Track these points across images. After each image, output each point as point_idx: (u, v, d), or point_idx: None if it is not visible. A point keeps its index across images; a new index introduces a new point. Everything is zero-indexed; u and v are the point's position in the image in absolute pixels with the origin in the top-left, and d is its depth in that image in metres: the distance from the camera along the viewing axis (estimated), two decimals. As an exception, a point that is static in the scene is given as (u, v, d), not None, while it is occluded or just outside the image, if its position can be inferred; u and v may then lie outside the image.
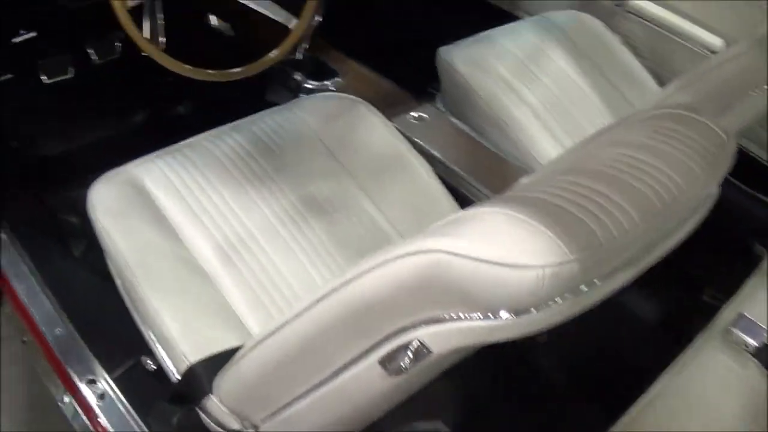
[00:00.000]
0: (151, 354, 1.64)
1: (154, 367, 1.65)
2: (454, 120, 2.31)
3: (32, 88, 2.32)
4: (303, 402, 1.18)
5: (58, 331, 1.85)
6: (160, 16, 1.98)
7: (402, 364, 0.98)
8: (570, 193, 0.94)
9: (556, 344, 1.71)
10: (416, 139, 2.13)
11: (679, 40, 2.49)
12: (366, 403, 1.14)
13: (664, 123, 1.13)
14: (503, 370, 1.82)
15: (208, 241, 1.70)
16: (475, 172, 2.10)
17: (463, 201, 1.92)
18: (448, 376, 1.28)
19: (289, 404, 1.20)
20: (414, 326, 0.96)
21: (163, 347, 1.58)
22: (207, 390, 1.38)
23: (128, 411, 1.71)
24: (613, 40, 2.55)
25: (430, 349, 0.96)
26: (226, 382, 1.35)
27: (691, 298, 2.02)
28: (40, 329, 1.86)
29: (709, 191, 1.12)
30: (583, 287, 0.91)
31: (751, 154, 2.34)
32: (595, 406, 1.85)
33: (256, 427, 1.30)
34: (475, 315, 0.90)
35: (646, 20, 2.58)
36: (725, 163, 1.11)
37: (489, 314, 0.88)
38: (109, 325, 1.82)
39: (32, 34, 2.08)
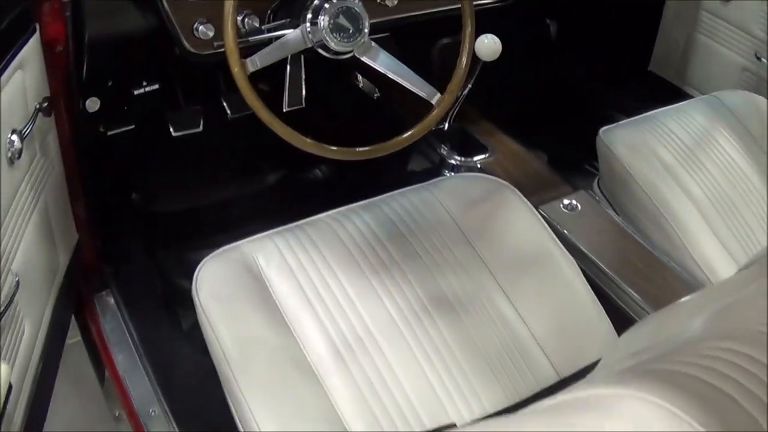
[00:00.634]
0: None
1: None
2: (609, 212, 2.07)
3: (159, 141, 2.25)
4: None
5: (152, 411, 1.73)
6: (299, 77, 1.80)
7: None
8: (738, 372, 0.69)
9: None
10: (565, 232, 1.90)
11: None
12: None
13: None
14: None
15: (321, 335, 1.53)
16: (626, 274, 1.84)
17: (610, 304, 1.74)
18: None
19: None
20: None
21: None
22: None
23: None
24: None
25: None
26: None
27: None
28: (134, 407, 1.74)
29: None
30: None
31: None
32: None
33: None
34: None
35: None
36: None
37: None
38: (206, 413, 1.68)
39: (155, 87, 2.01)
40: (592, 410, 0.66)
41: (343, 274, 1.62)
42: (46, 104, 1.58)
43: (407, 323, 1.58)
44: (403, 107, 2.20)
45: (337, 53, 1.65)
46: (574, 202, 1.98)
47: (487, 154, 2.13)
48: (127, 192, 2.33)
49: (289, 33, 1.62)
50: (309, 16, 1.62)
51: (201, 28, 1.73)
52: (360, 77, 2.42)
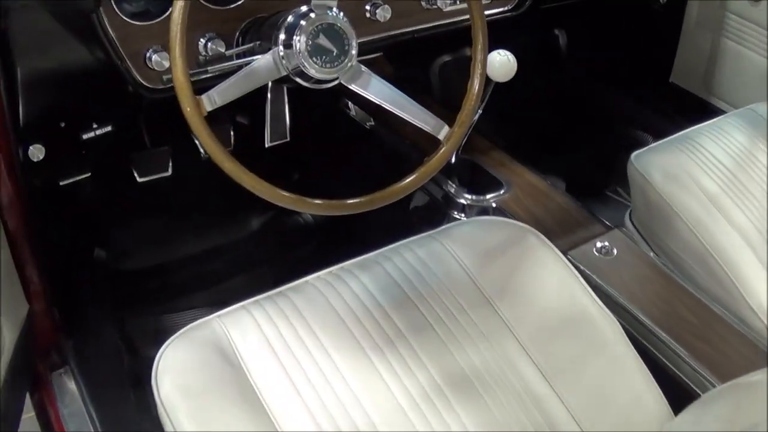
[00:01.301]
0: None
1: None
2: (649, 254, 1.83)
3: (122, 188, 2.02)
4: None
5: None
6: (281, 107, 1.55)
7: None
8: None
9: None
10: (601, 283, 1.64)
11: None
12: None
13: None
14: None
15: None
16: (678, 332, 1.58)
17: (661, 371, 1.49)
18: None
19: None
20: None
21: None
22: None
23: None
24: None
25: None
26: None
27: None
28: None
29: None
30: None
31: None
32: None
33: None
34: None
35: None
36: None
37: None
38: None
39: (107, 129, 1.78)
40: None
41: (338, 353, 1.35)
42: None
43: (418, 411, 1.31)
44: (402, 138, 1.93)
45: (318, 81, 1.36)
46: (607, 244, 1.71)
47: (502, 191, 1.85)
48: (87, 249, 2.08)
49: (258, 59, 1.32)
50: (282, 36, 1.33)
51: (155, 57, 1.48)
52: (351, 104, 2.14)
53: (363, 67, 1.38)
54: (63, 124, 1.75)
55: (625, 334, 1.46)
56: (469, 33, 1.47)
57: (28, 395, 1.75)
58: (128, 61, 1.48)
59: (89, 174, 1.88)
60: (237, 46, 1.52)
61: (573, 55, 2.88)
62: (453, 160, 1.94)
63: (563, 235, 1.70)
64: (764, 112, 2.12)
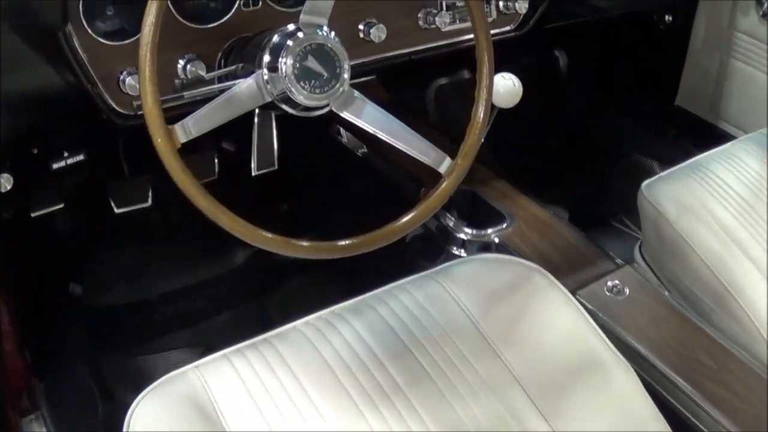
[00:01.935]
0: None
1: None
2: (663, 292, 1.71)
3: (99, 220, 1.93)
4: None
5: None
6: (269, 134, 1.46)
7: None
8: None
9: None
10: (612, 324, 1.53)
11: None
12: None
13: None
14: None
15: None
16: (696, 378, 1.47)
17: (679, 421, 1.40)
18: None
19: None
20: None
21: None
22: None
23: None
24: None
25: None
26: None
27: None
28: None
29: None
30: None
31: None
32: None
33: None
34: None
35: None
36: None
37: None
38: None
39: (79, 158, 1.68)
40: None
41: (328, 408, 1.23)
42: None
43: (417, 474, 1.19)
44: (397, 166, 1.82)
45: (306, 109, 1.24)
46: (618, 282, 1.61)
47: (504, 224, 1.74)
48: (61, 284, 1.99)
49: (240, 83, 1.20)
50: (267, 58, 1.21)
51: (129, 80, 1.37)
52: (342, 130, 2.04)
53: (356, 93, 1.26)
54: (29, 154, 1.66)
55: (639, 381, 1.36)
56: (467, 54, 1.37)
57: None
58: (100, 85, 1.37)
59: (62, 205, 1.79)
60: (219, 68, 1.41)
61: (575, 77, 2.80)
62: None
63: (571, 272, 1.59)
64: (776, 137, 2.03)
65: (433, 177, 1.34)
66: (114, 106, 1.38)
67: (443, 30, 1.68)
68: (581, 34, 2.65)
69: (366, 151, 1.98)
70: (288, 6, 1.51)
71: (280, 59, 1.19)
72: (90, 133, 1.68)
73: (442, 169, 1.31)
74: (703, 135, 2.52)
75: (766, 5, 2.31)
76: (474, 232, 1.74)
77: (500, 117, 1.61)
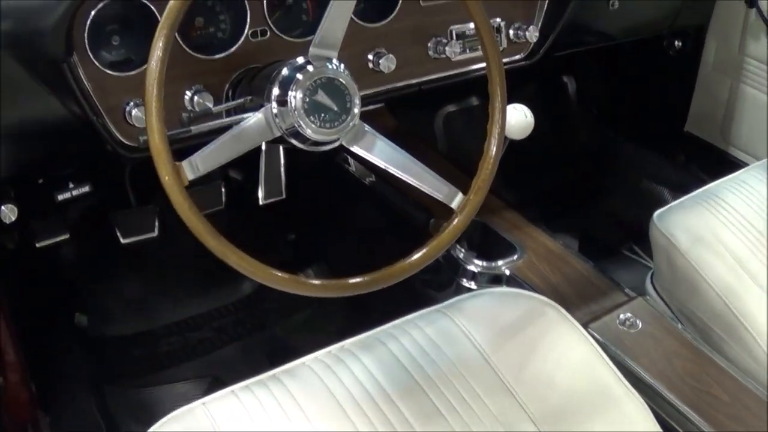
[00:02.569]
0: None
1: None
2: (675, 325, 1.67)
3: (105, 250, 1.91)
4: None
5: None
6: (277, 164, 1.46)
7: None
8: None
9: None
10: (625, 358, 1.51)
11: None
12: None
13: None
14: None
15: None
16: (710, 413, 1.44)
17: None
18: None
19: None
20: None
21: None
22: None
23: None
24: None
25: None
26: None
27: None
28: None
29: None
30: None
31: None
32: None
33: None
34: None
35: None
36: None
37: None
38: None
39: (85, 189, 1.67)
40: None
41: None
42: None
43: None
44: (405, 196, 1.81)
45: (316, 143, 1.22)
46: (630, 315, 1.59)
47: (515, 256, 1.72)
48: (67, 314, 1.96)
49: (248, 118, 1.18)
50: (276, 92, 1.20)
51: (135, 111, 1.35)
52: (350, 158, 2.02)
53: (366, 127, 1.25)
54: (38, 182, 1.64)
55: (652, 415, 1.34)
56: (476, 82, 1.35)
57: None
58: (105, 116, 1.35)
59: (68, 235, 1.76)
60: (226, 100, 1.39)
61: (584, 103, 2.78)
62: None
63: (583, 305, 1.57)
64: (788, 165, 2.00)
65: (442, 206, 1.32)
66: (120, 138, 1.37)
67: (453, 60, 1.66)
68: (590, 60, 2.64)
69: (373, 179, 1.96)
70: (296, 36, 1.49)
71: (289, 93, 1.17)
72: (95, 164, 1.66)
73: (454, 205, 1.29)
74: (714, 161, 2.50)
75: (776, 30, 2.30)
76: (485, 264, 1.72)
77: (509, 145, 1.60)
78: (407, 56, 1.60)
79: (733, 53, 2.46)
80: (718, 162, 2.48)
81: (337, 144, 1.24)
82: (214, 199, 1.82)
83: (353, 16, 1.27)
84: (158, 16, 1.32)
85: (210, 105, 1.35)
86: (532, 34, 1.81)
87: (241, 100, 1.32)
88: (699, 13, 2.51)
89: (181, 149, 1.15)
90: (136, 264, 2.00)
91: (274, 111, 1.19)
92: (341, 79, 1.19)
